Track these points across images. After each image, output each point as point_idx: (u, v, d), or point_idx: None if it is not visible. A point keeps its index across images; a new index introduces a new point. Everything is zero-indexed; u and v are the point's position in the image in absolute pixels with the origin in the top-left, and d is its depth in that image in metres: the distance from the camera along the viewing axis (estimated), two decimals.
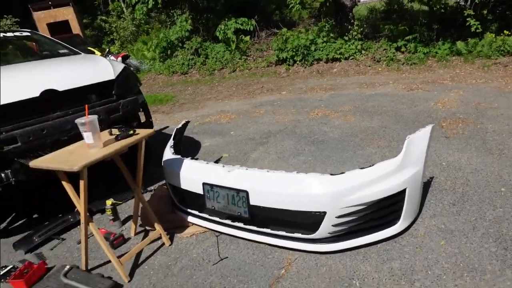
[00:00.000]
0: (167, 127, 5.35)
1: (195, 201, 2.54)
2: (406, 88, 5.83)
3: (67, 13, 13.58)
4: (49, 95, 2.72)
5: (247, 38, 10.31)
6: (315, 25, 10.15)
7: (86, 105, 2.16)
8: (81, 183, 1.93)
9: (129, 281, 2.15)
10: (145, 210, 2.45)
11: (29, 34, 4.20)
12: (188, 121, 3.64)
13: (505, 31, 7.14)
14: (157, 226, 2.44)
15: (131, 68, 6.59)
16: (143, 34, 13.56)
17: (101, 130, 2.11)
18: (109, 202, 2.78)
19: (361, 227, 2.16)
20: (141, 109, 3.48)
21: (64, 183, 1.99)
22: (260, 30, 10.71)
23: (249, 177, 2.26)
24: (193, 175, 2.45)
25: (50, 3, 13.36)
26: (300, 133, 4.35)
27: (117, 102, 3.10)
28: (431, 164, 3.08)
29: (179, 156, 2.65)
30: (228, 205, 2.30)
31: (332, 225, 2.09)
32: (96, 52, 8.75)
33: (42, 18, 13.47)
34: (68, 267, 2.16)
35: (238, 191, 2.22)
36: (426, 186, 2.74)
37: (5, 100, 2.52)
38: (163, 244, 2.47)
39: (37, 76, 2.97)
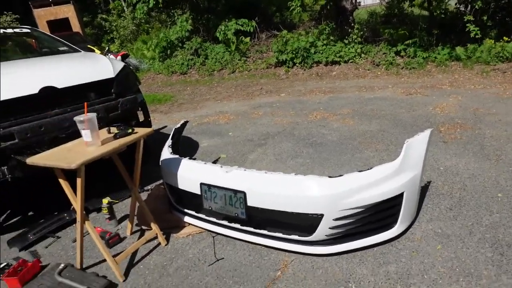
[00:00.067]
0: (166, 126, 5.34)
1: (192, 201, 2.53)
2: (405, 92, 5.84)
3: (67, 11, 13.56)
4: (48, 92, 2.71)
5: (247, 39, 10.32)
6: (316, 28, 10.17)
7: (85, 103, 2.16)
8: (78, 181, 1.92)
9: (124, 281, 2.14)
10: (142, 209, 2.45)
11: (28, 31, 4.19)
12: (186, 121, 3.64)
13: (504, 38, 7.17)
14: (153, 225, 2.43)
15: (130, 67, 6.58)
16: (143, 33, 13.56)
17: (100, 128, 2.10)
18: (105, 200, 2.77)
19: (358, 230, 2.16)
20: (139, 108, 3.47)
21: (61, 181, 1.98)
22: (260, 32, 10.72)
23: (247, 178, 2.26)
24: (191, 175, 2.45)
25: (50, 0, 13.33)
26: (299, 135, 4.35)
27: (116, 100, 3.09)
28: (428, 169, 3.09)
29: (177, 156, 2.64)
30: (226, 206, 2.29)
31: (329, 228, 2.09)
32: (96, 50, 8.73)
33: (42, 15, 13.44)
34: (62, 265, 2.15)
35: (235, 192, 2.22)
36: (424, 190, 2.75)
37: (3, 96, 2.50)
38: (159, 244, 2.46)
39: (36, 73, 2.96)
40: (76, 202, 2.00)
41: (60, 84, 2.79)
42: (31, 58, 3.72)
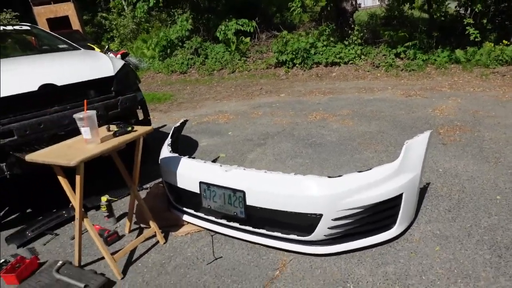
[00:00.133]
0: (165, 125, 5.34)
1: (191, 200, 2.53)
2: (404, 94, 5.85)
3: (67, 9, 13.56)
4: (47, 89, 2.70)
5: (247, 39, 10.33)
6: (316, 29, 10.19)
7: (85, 100, 2.15)
8: (77, 178, 1.92)
9: (122, 278, 2.14)
10: (141, 207, 2.44)
11: (28, 28, 4.18)
12: (186, 119, 3.64)
13: (504, 41, 7.19)
14: (152, 224, 2.42)
15: (130, 66, 6.56)
16: (143, 32, 13.56)
17: (99, 126, 2.10)
18: (104, 198, 2.76)
19: (357, 231, 2.16)
20: (139, 107, 3.46)
21: (60, 178, 1.98)
22: (260, 32, 10.73)
23: (247, 177, 2.26)
24: (190, 173, 2.45)
25: None
26: (298, 135, 4.35)
27: (115, 98, 3.09)
28: (427, 170, 3.09)
29: (176, 155, 2.64)
30: (225, 205, 2.29)
31: (328, 228, 2.09)
32: (96, 48, 8.72)
33: (42, 13, 13.44)
34: (60, 262, 2.15)
35: (235, 191, 2.21)
36: (423, 192, 2.75)
37: (2, 93, 2.50)
38: (157, 242, 2.46)
39: (36, 70, 2.95)
40: (75, 199, 2.00)
41: (59, 82, 2.78)
42: (31, 55, 3.71)
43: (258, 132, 4.62)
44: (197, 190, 2.38)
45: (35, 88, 2.65)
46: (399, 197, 2.15)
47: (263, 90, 7.25)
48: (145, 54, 11.52)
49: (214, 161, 3.79)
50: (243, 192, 2.18)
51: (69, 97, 2.85)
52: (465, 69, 7.16)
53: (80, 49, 3.91)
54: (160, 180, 3.12)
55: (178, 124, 3.42)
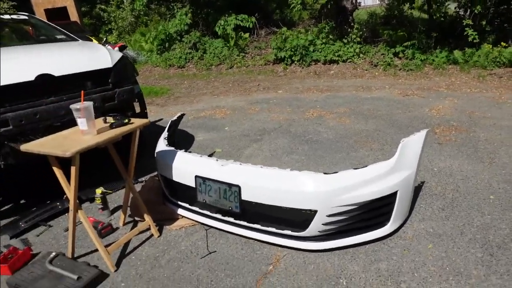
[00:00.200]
0: (161, 119, 5.32)
1: (186, 193, 2.53)
2: (401, 93, 5.86)
3: (65, 0, 13.44)
4: (44, 79, 2.69)
5: (246, 35, 10.30)
6: (315, 26, 10.17)
7: (82, 91, 2.14)
8: (73, 169, 1.91)
9: (115, 271, 2.13)
10: (135, 200, 2.44)
11: (26, 17, 4.14)
12: (183, 113, 3.63)
13: (502, 43, 7.22)
14: (147, 217, 2.42)
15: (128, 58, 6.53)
16: (141, 25, 13.49)
17: (96, 117, 2.09)
18: (99, 191, 2.76)
19: (351, 227, 2.17)
20: (136, 100, 3.45)
21: (55, 169, 1.97)
22: (259, 28, 10.70)
23: (242, 172, 2.26)
24: (186, 167, 2.44)
25: None
26: (295, 132, 4.36)
27: (113, 90, 3.07)
28: (422, 169, 3.11)
29: (172, 148, 2.63)
30: (220, 199, 2.29)
31: (323, 224, 2.09)
32: (94, 40, 8.67)
33: (40, 3, 13.33)
34: (54, 254, 2.14)
35: (230, 185, 2.21)
36: (417, 190, 2.76)
37: None
38: (151, 235, 2.46)
39: (33, 60, 2.93)
40: (70, 191, 1.99)
41: (56, 72, 2.77)
42: (28, 45, 3.68)
43: (255, 128, 4.62)
44: (192, 184, 2.38)
45: (32, 78, 2.63)
46: (394, 194, 2.16)
47: (261, 86, 7.24)
48: (143, 48, 11.46)
49: (210, 156, 3.77)
50: (239, 187, 2.18)
51: (66, 87, 2.83)
52: (462, 70, 7.19)
53: (78, 40, 3.88)
54: (155, 173, 3.12)
55: (175, 118, 3.41)
